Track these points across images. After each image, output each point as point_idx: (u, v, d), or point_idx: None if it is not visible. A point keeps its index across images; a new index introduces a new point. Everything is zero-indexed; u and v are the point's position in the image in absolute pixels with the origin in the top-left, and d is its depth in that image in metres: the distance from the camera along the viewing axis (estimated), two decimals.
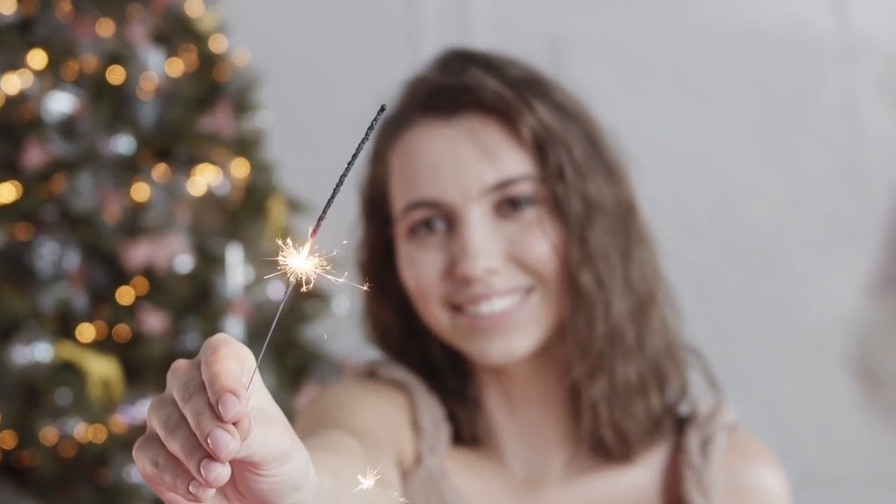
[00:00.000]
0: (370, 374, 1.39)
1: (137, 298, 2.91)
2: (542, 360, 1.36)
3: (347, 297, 3.21)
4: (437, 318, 1.33)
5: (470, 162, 1.31)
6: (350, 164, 0.79)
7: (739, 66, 3.68)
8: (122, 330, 2.89)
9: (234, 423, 0.75)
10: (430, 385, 1.39)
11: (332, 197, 0.80)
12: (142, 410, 2.84)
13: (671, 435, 1.40)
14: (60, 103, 2.93)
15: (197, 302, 2.93)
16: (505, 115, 1.32)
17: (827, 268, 3.62)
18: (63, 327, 2.88)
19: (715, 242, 3.49)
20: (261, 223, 3.06)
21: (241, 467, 0.79)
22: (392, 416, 1.33)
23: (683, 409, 1.41)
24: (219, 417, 0.74)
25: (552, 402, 1.38)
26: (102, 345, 2.88)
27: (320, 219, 0.79)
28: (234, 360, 0.76)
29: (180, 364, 0.80)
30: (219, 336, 0.79)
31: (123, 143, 2.95)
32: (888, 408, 3.57)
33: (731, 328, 3.50)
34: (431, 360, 1.40)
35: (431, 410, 1.36)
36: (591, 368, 1.33)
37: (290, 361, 3.06)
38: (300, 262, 0.79)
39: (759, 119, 3.66)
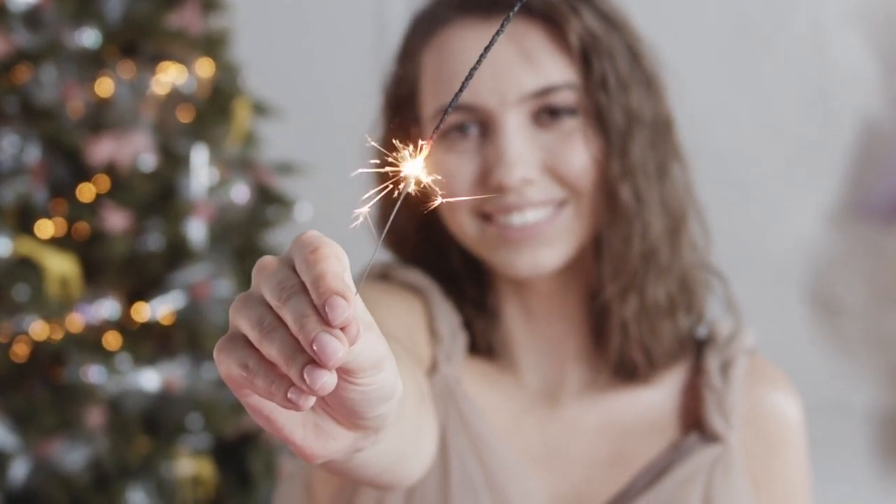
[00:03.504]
0: (383, 276, 1.35)
1: (98, 196, 2.85)
2: (567, 275, 1.33)
3: (310, 202, 3.18)
4: (465, 226, 1.29)
5: (510, 66, 1.26)
6: (478, 61, 0.74)
7: None
8: (82, 227, 2.84)
9: (342, 328, 0.71)
10: (445, 291, 1.35)
11: (454, 100, 0.75)
12: (99, 310, 2.80)
13: (690, 356, 1.38)
14: None
15: (160, 202, 2.88)
16: (550, 19, 1.27)
17: (789, 195, 3.62)
18: (22, 222, 2.82)
19: None
20: (226, 124, 3.00)
21: None
22: (410, 319, 1.29)
23: (700, 330, 1.39)
24: (326, 322, 0.70)
25: (573, 318, 1.35)
26: (61, 241, 2.83)
27: (438, 125, 0.75)
28: (336, 260, 0.72)
29: (269, 261, 0.75)
30: (313, 233, 0.73)
31: (89, 37, 2.88)
32: (843, 339, 3.60)
33: None
34: (449, 267, 1.37)
35: (448, 317, 1.33)
36: (623, 287, 1.30)
37: (251, 267, 3.02)
38: (414, 167, 0.75)
39: (728, 43, 3.64)
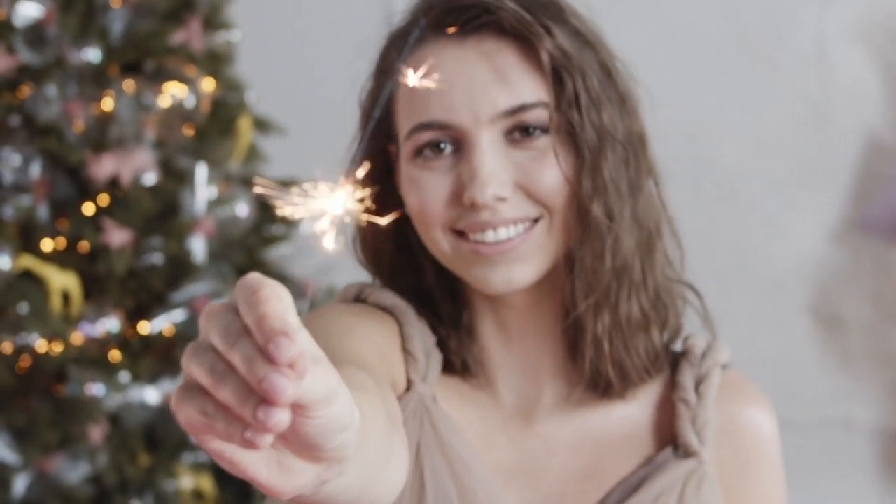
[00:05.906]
0: (358, 298, 1.37)
1: (101, 212, 2.87)
2: (542, 291, 1.34)
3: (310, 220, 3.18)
4: (439, 243, 1.30)
5: (483, 85, 1.27)
6: (394, 80, 0.75)
7: (714, 2, 3.65)
8: (84, 244, 2.86)
9: (289, 366, 0.73)
10: (420, 310, 1.36)
11: (366, 128, 0.77)
12: (104, 325, 2.82)
13: (665, 371, 1.39)
14: (28, 9, 2.87)
15: (162, 218, 2.90)
16: (522, 38, 1.28)
17: (791, 211, 3.62)
18: (24, 238, 2.84)
19: (679, 180, 3.47)
20: (229, 142, 3.02)
21: None
22: (384, 342, 1.30)
23: (676, 345, 1.40)
24: (272, 361, 0.72)
25: (548, 334, 1.36)
26: (63, 257, 2.85)
27: (358, 158, 0.77)
28: (276, 300, 0.74)
29: (215, 307, 0.77)
30: (253, 276, 0.76)
31: (91, 54, 2.90)
32: (847, 355, 3.60)
33: (691, 267, 3.49)
34: (424, 283, 1.38)
35: (422, 337, 1.34)
36: (596, 303, 1.31)
37: None
38: (336, 204, 0.77)
39: (730, 57, 3.64)
